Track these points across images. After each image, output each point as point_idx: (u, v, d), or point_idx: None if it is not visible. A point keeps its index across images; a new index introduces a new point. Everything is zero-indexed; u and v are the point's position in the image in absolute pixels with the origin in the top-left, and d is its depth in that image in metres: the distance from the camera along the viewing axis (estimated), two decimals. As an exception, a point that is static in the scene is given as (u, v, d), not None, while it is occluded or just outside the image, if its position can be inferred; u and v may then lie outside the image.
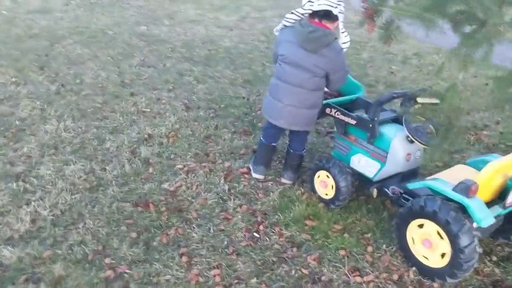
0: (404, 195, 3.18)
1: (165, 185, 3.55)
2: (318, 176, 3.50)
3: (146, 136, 4.28)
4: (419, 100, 3.41)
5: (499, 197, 2.86)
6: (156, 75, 5.88)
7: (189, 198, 3.42)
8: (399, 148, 3.18)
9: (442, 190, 2.70)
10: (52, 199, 3.29)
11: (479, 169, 3.10)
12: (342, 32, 3.44)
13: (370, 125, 3.25)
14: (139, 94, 5.21)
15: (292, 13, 3.35)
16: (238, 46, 7.46)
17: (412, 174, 3.31)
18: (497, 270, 2.91)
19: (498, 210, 2.75)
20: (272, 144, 3.71)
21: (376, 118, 3.23)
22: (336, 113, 3.49)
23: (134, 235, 3.00)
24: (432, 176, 2.97)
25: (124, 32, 7.58)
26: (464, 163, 3.23)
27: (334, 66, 3.31)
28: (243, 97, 5.42)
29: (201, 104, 5.10)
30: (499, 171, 2.74)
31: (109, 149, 4.01)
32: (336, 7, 3.22)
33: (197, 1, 10.51)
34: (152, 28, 8.05)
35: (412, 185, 2.91)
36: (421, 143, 3.10)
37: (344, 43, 3.46)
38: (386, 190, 3.27)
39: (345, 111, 3.44)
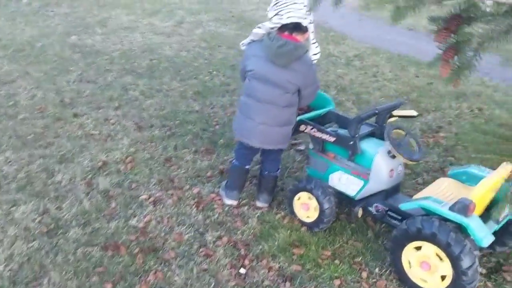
0: (389, 212, 3.08)
1: (133, 221, 3.21)
2: (299, 198, 3.32)
3: (100, 163, 3.89)
4: (395, 113, 3.34)
5: (485, 210, 2.84)
6: (98, 91, 5.43)
7: (162, 235, 3.11)
8: (382, 165, 3.06)
9: (439, 210, 2.61)
10: (5, 250, 2.86)
11: (462, 181, 3.08)
12: (313, 43, 3.28)
13: (351, 142, 3.12)
14: (83, 115, 4.77)
15: (260, 27, 3.14)
16: (180, 54, 7.12)
17: (394, 190, 3.21)
18: (489, 284, 2.88)
19: (493, 226, 2.71)
20: (246, 166, 3.48)
21: (357, 135, 3.10)
22: (312, 130, 3.32)
23: (109, 286, 2.65)
24: (422, 194, 2.88)
25: (54, 44, 6.99)
26: (446, 175, 3.19)
27: (306, 81, 3.15)
28: (197, 111, 5.14)
29: (153, 122, 4.75)
30: (492, 188, 2.70)
31: (61, 183, 3.59)
32: (305, 18, 3.06)
33: (127, 6, 9.99)
34: (84, 38, 7.50)
35: (405, 206, 2.80)
36: (405, 158, 3.00)
37: (314, 54, 3.32)
38: (370, 208, 3.16)
39: (323, 128, 3.28)
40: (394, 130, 3.15)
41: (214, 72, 6.44)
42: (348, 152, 3.17)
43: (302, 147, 4.33)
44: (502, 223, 2.78)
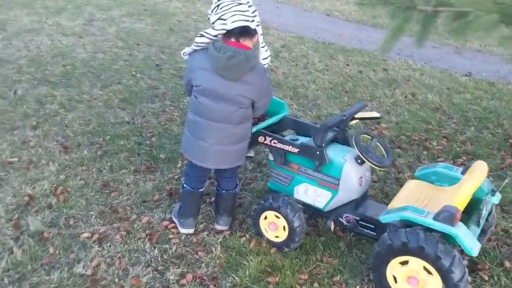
0: (361, 222, 2.90)
1: (79, 268, 2.74)
2: (265, 218, 3.02)
3: (26, 198, 3.33)
4: (357, 116, 3.13)
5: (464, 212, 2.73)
6: (9, 107, 4.74)
7: (117, 280, 2.68)
8: (352, 173, 2.86)
9: (424, 222, 2.44)
10: None
11: (431, 181, 2.96)
12: (262, 47, 2.95)
13: (318, 153, 2.87)
14: (-5, 139, 4.11)
15: (202, 35, 2.74)
16: (96, 57, 6.49)
17: (363, 198, 3.03)
18: (469, 286, 2.78)
19: (476, 230, 2.61)
20: (199, 190, 3.11)
21: (324, 145, 2.86)
22: (273, 142, 3.03)
23: None
24: (397, 203, 2.71)
25: None
26: (413, 177, 3.05)
27: (260, 93, 2.82)
28: (127, 122, 4.64)
29: (80, 140, 4.21)
30: (472, 191, 2.58)
31: (-20, 230, 3.01)
32: (252, 20, 2.70)
33: (27, 5, 9.00)
34: (-20, 45, 6.59)
35: (386, 219, 2.61)
36: (374, 165, 2.81)
37: (264, 58, 2.96)
38: (340, 219, 2.95)
39: (283, 138, 3.00)
40: (362, 135, 2.96)
41: (138, 75, 5.92)
42: (315, 163, 2.92)
43: (251, 154, 4.03)
44: (482, 224, 2.68)
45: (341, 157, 2.89)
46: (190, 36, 7.73)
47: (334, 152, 2.93)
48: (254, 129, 3.03)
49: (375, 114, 3.10)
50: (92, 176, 3.65)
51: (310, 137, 3.24)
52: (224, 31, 2.68)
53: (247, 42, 2.73)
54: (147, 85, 5.61)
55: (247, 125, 2.89)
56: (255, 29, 2.73)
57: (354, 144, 2.83)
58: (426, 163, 4.16)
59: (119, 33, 7.64)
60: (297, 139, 3.06)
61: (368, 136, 2.99)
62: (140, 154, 4.04)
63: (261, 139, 3.08)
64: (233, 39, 2.69)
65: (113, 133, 4.35)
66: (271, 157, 3.17)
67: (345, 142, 3.10)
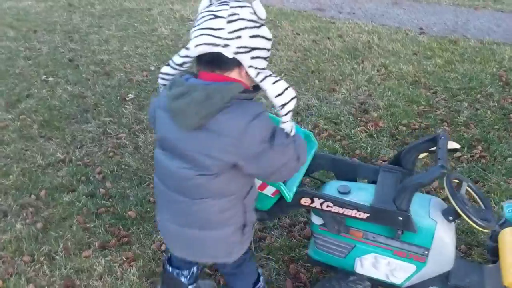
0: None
1: None
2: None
3: None
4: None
5: None
6: None
7: None
8: (447, 239, 2.07)
9: None
10: None
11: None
12: (268, 78, 1.60)
13: (401, 218, 2.02)
14: None
15: (168, 64, 1.72)
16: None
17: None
18: None
19: None
20: (181, 279, 2.12)
21: (409, 208, 2.01)
22: (326, 205, 2.12)
23: None
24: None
25: None
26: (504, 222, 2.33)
27: (245, 151, 1.59)
28: (62, 160, 3.41)
29: (5, 205, 2.93)
30: None
31: None
32: (226, 44, 1.52)
33: None
34: None
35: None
36: (479, 225, 2.03)
37: (278, 95, 1.61)
38: (422, 295, 2.19)
39: (343, 199, 2.10)
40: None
41: (51, 79, 4.55)
42: (393, 230, 2.08)
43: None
44: None
45: (425, 214, 2.08)
46: (97, 13, 6.27)
47: (417, 209, 2.09)
48: (292, 188, 2.09)
49: (455, 145, 2.29)
50: (43, 275, 2.48)
51: (354, 180, 2.39)
52: (189, 58, 1.67)
53: (232, 74, 1.61)
54: (67, 93, 4.28)
55: (221, 204, 1.73)
56: (235, 59, 1.55)
57: (450, 196, 2.01)
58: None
59: (5, 17, 5.95)
60: (348, 191, 2.19)
61: (456, 181, 2.20)
62: (100, 216, 2.89)
63: (304, 201, 2.15)
64: (203, 69, 1.62)
65: (48, 184, 3.11)
66: (316, 221, 2.26)
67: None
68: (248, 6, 1.57)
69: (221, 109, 1.54)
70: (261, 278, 2.20)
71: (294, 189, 2.12)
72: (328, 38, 5.86)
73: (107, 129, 3.78)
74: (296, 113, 4.19)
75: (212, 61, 1.57)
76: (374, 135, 3.88)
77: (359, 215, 2.08)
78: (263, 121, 1.58)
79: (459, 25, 6.59)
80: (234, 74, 1.60)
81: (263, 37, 1.57)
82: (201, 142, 1.59)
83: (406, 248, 2.09)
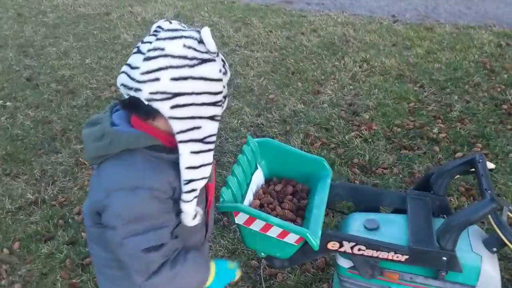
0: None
1: None
2: None
3: None
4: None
5: None
6: None
7: None
8: (494, 275, 1.85)
9: None
10: None
11: None
12: (192, 151, 1.30)
13: (445, 258, 1.79)
14: None
15: None
16: None
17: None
18: None
19: None
20: None
21: (455, 248, 1.77)
22: (357, 249, 1.86)
23: None
24: None
25: None
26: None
27: (99, 199, 1.32)
28: (33, 202, 3.02)
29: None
30: None
31: None
32: (137, 89, 1.21)
33: None
34: None
35: None
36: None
37: (190, 169, 1.32)
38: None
39: (379, 242, 1.84)
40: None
41: (9, 103, 4.14)
42: (435, 270, 1.84)
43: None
44: None
45: (468, 248, 1.85)
46: (51, 22, 5.76)
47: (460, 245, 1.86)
48: (317, 233, 1.82)
49: (491, 165, 2.06)
50: None
51: (377, 209, 2.15)
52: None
53: (158, 124, 1.29)
54: (30, 119, 3.85)
55: (103, 256, 1.46)
56: (150, 108, 1.22)
57: (498, 228, 1.78)
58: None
59: None
60: (377, 226, 1.95)
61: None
62: (86, 268, 2.54)
63: (332, 246, 1.88)
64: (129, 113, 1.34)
65: (21, 234, 2.73)
66: (344, 264, 2.00)
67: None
68: (185, 37, 1.22)
69: (110, 155, 1.30)
70: None
71: (319, 233, 1.84)
72: (302, 33, 5.58)
73: (80, 158, 3.39)
74: (283, 120, 3.92)
75: (130, 105, 1.27)
76: (370, 140, 3.66)
77: (397, 257, 1.83)
78: (133, 197, 1.26)
79: (430, 10, 6.46)
80: (160, 124, 1.28)
81: (199, 78, 1.21)
82: (92, 182, 1.41)
83: (448, 287, 1.87)
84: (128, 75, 1.23)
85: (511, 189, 3.10)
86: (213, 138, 1.31)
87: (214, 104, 1.27)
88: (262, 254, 1.98)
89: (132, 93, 1.22)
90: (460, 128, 3.77)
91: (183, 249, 1.41)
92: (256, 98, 4.25)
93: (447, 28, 5.67)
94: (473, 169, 1.93)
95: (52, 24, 5.88)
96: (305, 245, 1.85)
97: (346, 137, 3.67)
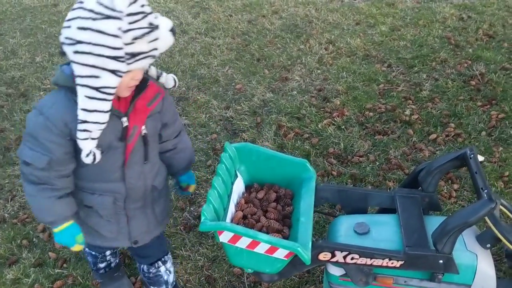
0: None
1: None
2: None
3: None
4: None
5: None
6: None
7: None
8: (489, 271, 1.80)
9: None
10: None
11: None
12: (86, 96, 1.50)
13: (441, 261, 1.72)
14: None
15: None
16: None
17: None
18: None
19: None
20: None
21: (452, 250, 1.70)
22: (349, 258, 1.76)
23: None
24: None
25: None
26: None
27: None
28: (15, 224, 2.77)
29: None
30: None
31: None
32: (60, 33, 1.50)
33: None
34: None
35: None
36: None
37: (84, 111, 1.53)
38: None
39: (373, 249, 1.75)
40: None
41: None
42: (435, 275, 1.77)
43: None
44: None
45: (462, 247, 1.79)
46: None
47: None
48: (308, 245, 1.72)
49: (480, 158, 1.98)
50: None
51: (365, 210, 2.07)
52: None
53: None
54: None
55: None
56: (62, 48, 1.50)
57: (494, 226, 1.72)
58: (423, 148, 3.30)
59: None
60: (367, 230, 1.86)
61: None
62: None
63: (324, 256, 1.78)
64: None
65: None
66: (335, 272, 1.90)
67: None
68: None
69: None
70: None
71: (310, 245, 1.74)
72: (264, 16, 5.40)
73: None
74: (253, 112, 3.77)
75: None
76: (343, 127, 3.57)
77: (392, 263, 1.75)
78: (36, 117, 1.57)
79: (389, -16, 6.37)
80: None
81: (97, 31, 1.38)
82: None
83: (445, 288, 1.80)
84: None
85: (487, 168, 3.09)
86: (110, 90, 1.47)
87: (114, 58, 1.42)
88: (250, 270, 1.87)
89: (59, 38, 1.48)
90: (431, 108, 3.73)
91: (61, 190, 1.67)
92: (222, 89, 4.08)
93: (408, 3, 5.61)
94: (464, 165, 1.86)
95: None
96: (295, 257, 1.74)
97: (319, 126, 3.57)
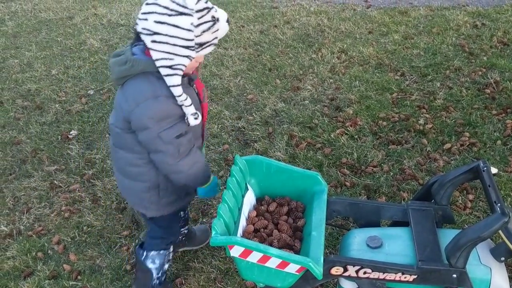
0: None
1: None
2: None
3: None
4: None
5: None
6: None
7: None
8: (504, 284, 1.76)
9: None
10: None
11: None
12: (167, 74, 1.78)
13: (455, 276, 1.70)
14: None
15: None
16: None
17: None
18: None
19: None
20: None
21: (465, 265, 1.68)
22: (362, 272, 1.74)
23: None
24: None
25: None
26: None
27: (130, 110, 1.82)
28: (9, 235, 2.80)
29: None
30: None
31: None
32: (136, 24, 1.77)
33: None
34: None
35: None
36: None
37: (173, 87, 1.79)
38: None
39: (386, 263, 1.73)
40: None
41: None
42: (443, 287, 1.75)
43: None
44: None
45: (476, 261, 1.76)
46: (10, 31, 5.43)
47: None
48: (320, 260, 1.70)
49: (494, 170, 1.96)
50: None
51: (377, 223, 2.05)
52: None
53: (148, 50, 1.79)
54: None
55: (130, 158, 1.97)
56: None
57: (507, 240, 1.69)
58: (437, 158, 3.26)
59: None
60: (380, 244, 1.84)
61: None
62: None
63: (336, 271, 1.77)
64: None
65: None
66: (347, 286, 1.89)
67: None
68: None
69: (131, 77, 1.81)
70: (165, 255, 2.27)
71: (322, 259, 1.72)
72: (276, 26, 5.42)
73: (55, 181, 3.19)
74: (265, 122, 3.77)
75: (137, 37, 1.77)
76: (356, 137, 3.55)
77: (405, 278, 1.73)
78: (156, 101, 1.77)
79: (402, -7, 6.35)
80: (148, 51, 1.75)
81: (173, 25, 1.65)
82: (118, 98, 1.90)
83: (459, 301, 1.77)
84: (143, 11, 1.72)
85: (502, 178, 3.04)
86: (181, 67, 1.73)
87: (187, 47, 1.70)
88: (261, 284, 1.86)
89: (136, 27, 1.74)
90: (445, 117, 3.69)
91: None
92: (234, 100, 4.09)
93: (421, 11, 5.59)
94: (477, 178, 1.83)
95: (12, 33, 5.57)
96: (307, 272, 1.73)
97: (332, 135, 3.55)
